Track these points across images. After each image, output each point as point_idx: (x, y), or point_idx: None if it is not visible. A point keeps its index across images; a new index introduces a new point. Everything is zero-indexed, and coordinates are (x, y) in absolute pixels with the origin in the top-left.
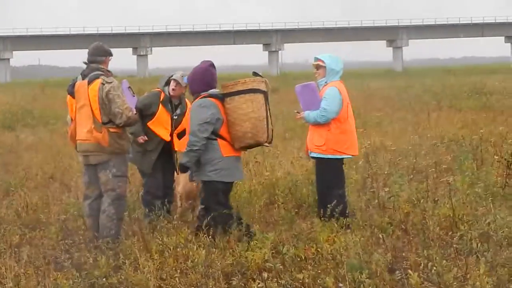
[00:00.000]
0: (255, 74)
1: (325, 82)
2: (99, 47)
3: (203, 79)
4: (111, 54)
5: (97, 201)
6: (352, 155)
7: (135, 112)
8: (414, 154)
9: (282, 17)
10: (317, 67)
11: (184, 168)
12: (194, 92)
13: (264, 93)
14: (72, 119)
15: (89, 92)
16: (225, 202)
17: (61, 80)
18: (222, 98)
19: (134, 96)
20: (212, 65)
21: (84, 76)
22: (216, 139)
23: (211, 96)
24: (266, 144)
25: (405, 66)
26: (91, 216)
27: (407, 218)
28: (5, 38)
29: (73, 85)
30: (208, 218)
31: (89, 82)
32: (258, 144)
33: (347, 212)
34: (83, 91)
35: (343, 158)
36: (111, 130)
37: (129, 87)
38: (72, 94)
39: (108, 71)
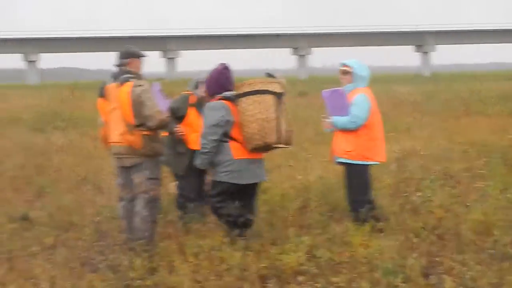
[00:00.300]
0: (268, 75)
1: (353, 88)
2: (124, 49)
3: (217, 81)
4: (135, 56)
5: (131, 203)
6: (380, 162)
7: (167, 114)
8: (445, 159)
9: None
10: (344, 72)
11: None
12: (209, 95)
13: (276, 94)
14: (104, 122)
15: (120, 95)
16: (233, 204)
17: (90, 82)
18: (234, 99)
19: (165, 98)
20: (226, 67)
21: (114, 79)
22: (227, 141)
23: (224, 98)
24: (282, 146)
25: (433, 71)
26: (125, 218)
27: (440, 223)
28: (34, 40)
29: (104, 88)
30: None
31: (120, 85)
32: (268, 146)
33: (378, 216)
34: (114, 93)
35: (370, 164)
36: (144, 133)
37: (160, 89)
38: (103, 96)
39: (139, 73)
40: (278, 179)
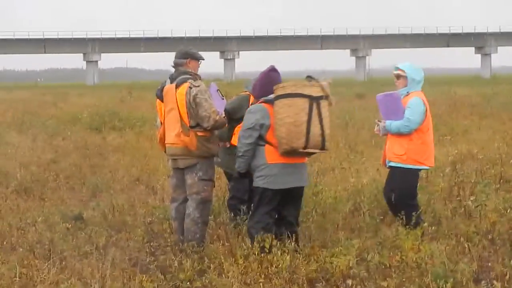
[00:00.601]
0: (309, 78)
1: (407, 92)
2: (181, 50)
3: (261, 84)
4: (193, 57)
5: (183, 205)
6: (430, 167)
7: (223, 115)
8: (502, 163)
9: (370, 23)
10: (398, 76)
11: (240, 174)
12: (255, 97)
13: (311, 97)
14: (161, 123)
15: (177, 96)
16: (269, 210)
17: (148, 82)
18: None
19: (223, 99)
20: (273, 69)
21: (172, 80)
22: (263, 145)
23: (265, 101)
24: (315, 151)
25: (493, 73)
26: (177, 219)
27: (493, 228)
28: (94, 41)
29: (161, 89)
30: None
31: (177, 86)
32: (295, 150)
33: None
34: (171, 94)
35: (421, 169)
36: (199, 133)
37: (218, 90)
38: (161, 98)
39: (197, 74)
40: (331, 181)
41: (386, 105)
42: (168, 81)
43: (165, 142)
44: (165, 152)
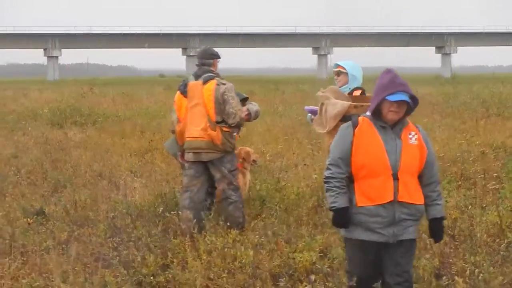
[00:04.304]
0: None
1: (349, 89)
2: (207, 50)
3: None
4: (219, 57)
5: (197, 195)
6: None
7: (246, 112)
8: (462, 161)
9: (331, 22)
10: (338, 73)
11: None
12: None
13: None
14: (178, 118)
15: (204, 92)
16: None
17: (109, 78)
18: None
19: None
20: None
21: (197, 77)
22: None
23: None
24: None
25: (453, 73)
26: (190, 208)
27: (454, 224)
28: (54, 36)
29: (185, 85)
30: None
31: (204, 83)
32: None
33: None
34: (198, 90)
35: None
36: (224, 129)
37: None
38: (184, 93)
39: (218, 73)
40: (294, 178)
41: (314, 112)
42: (192, 77)
43: (186, 136)
44: (182, 146)
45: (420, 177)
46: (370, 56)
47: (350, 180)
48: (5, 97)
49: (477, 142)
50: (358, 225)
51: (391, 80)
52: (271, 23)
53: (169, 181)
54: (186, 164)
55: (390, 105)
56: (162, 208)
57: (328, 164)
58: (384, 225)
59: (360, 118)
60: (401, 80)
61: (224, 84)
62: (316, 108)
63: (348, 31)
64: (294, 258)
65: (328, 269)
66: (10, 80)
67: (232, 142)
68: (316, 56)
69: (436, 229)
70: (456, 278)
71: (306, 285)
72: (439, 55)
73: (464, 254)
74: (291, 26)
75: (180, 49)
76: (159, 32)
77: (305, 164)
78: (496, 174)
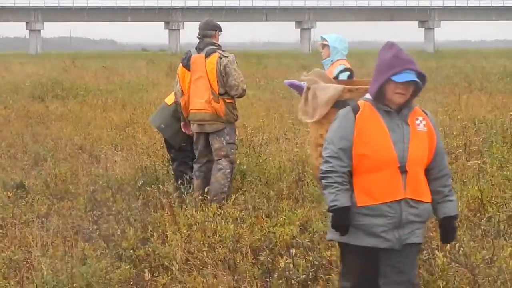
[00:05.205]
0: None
1: (331, 61)
2: (209, 22)
3: None
4: (220, 29)
5: (206, 165)
6: None
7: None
8: (444, 135)
9: None
10: (322, 46)
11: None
12: None
13: None
14: (182, 91)
15: (207, 65)
16: None
17: (92, 52)
18: None
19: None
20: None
21: (199, 50)
22: None
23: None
24: None
25: (436, 48)
26: (199, 177)
27: None
28: (37, 9)
29: (188, 58)
30: None
31: (207, 56)
32: None
33: None
34: (200, 64)
35: None
36: (227, 100)
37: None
38: (187, 66)
39: (219, 45)
40: (275, 151)
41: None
42: (194, 51)
43: (190, 108)
44: (187, 117)
45: (428, 170)
46: (353, 30)
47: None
48: None
49: (459, 117)
50: (357, 228)
51: (396, 56)
52: None
53: (150, 155)
54: (194, 137)
55: (396, 86)
56: (142, 182)
57: (327, 156)
58: (388, 227)
59: (361, 102)
60: (407, 55)
61: (226, 56)
62: (296, 82)
63: (332, 5)
64: (274, 232)
65: (308, 243)
66: None
67: (234, 113)
68: (299, 30)
69: (448, 229)
70: (436, 252)
71: (286, 259)
72: (422, 30)
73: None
74: (275, 0)
75: (163, 23)
76: (142, 5)
77: (286, 138)
78: (477, 149)
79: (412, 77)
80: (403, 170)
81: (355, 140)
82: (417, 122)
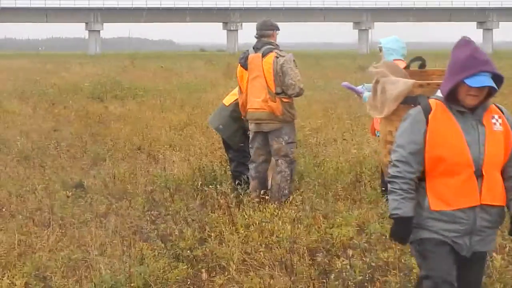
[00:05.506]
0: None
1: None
2: (267, 22)
3: None
4: (278, 28)
5: (262, 165)
6: None
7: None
8: None
9: None
10: (380, 49)
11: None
12: None
13: None
14: (241, 90)
15: (263, 65)
16: None
17: (150, 52)
18: None
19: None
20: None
21: (256, 49)
22: None
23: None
24: None
25: (494, 49)
26: (256, 178)
27: None
28: (96, 10)
29: (245, 58)
30: None
31: (264, 55)
32: None
33: None
34: (257, 63)
35: None
36: (284, 100)
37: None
38: (245, 66)
39: (277, 44)
40: (333, 152)
41: (352, 89)
42: (252, 50)
43: (248, 107)
44: (245, 116)
45: (504, 169)
46: (412, 31)
47: (419, 179)
48: (47, 71)
49: None
50: (426, 229)
51: (471, 56)
52: None
53: (207, 155)
54: (251, 136)
55: (469, 89)
56: (200, 182)
57: (395, 160)
58: (460, 234)
59: (432, 102)
60: (483, 55)
61: (283, 56)
62: (353, 86)
63: (389, 6)
64: (331, 233)
65: (365, 244)
66: (52, 54)
67: (292, 112)
68: (357, 31)
69: None
70: (494, 254)
71: (343, 260)
72: (481, 31)
73: (503, 231)
74: (333, 0)
75: (221, 23)
76: (200, 6)
77: (344, 139)
78: None
79: (487, 81)
80: (478, 174)
81: (428, 142)
82: (493, 121)
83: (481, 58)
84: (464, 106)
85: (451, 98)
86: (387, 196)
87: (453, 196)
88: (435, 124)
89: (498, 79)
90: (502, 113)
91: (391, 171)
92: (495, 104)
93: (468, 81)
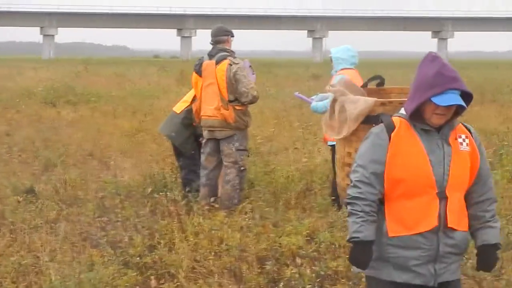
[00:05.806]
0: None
1: (335, 71)
2: (221, 27)
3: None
4: (232, 35)
5: (213, 172)
6: None
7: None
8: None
9: (327, 5)
10: (331, 59)
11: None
12: None
13: None
14: (196, 97)
15: (217, 72)
16: None
17: (104, 58)
18: None
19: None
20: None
21: (211, 56)
22: None
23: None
24: None
25: (449, 58)
26: (207, 186)
27: None
28: (51, 15)
29: (200, 65)
30: None
31: (217, 62)
32: None
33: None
34: (211, 70)
35: None
36: (237, 107)
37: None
38: (199, 73)
39: (232, 51)
40: (284, 161)
41: (304, 99)
42: (206, 57)
43: (202, 114)
44: (199, 123)
45: (468, 194)
46: (366, 40)
47: (380, 202)
48: (0, 75)
49: None
50: (387, 261)
51: (439, 73)
52: (267, 5)
53: (158, 162)
54: (203, 142)
55: (436, 107)
56: (151, 189)
57: (356, 181)
58: (422, 261)
59: (396, 119)
60: (452, 71)
61: (237, 63)
62: (305, 97)
63: (344, 15)
64: (280, 242)
65: (314, 253)
66: (5, 58)
67: (245, 120)
68: (311, 39)
69: (486, 258)
70: None
71: (292, 269)
72: (435, 40)
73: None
74: (287, 8)
75: (175, 30)
76: (155, 12)
77: (295, 148)
78: (490, 160)
79: (455, 99)
80: (442, 196)
81: (389, 162)
82: (460, 140)
83: (449, 75)
84: (430, 125)
85: (416, 117)
86: (337, 205)
87: (412, 219)
88: (397, 142)
89: (467, 96)
90: (470, 133)
91: (351, 192)
92: (462, 123)
93: (436, 100)
